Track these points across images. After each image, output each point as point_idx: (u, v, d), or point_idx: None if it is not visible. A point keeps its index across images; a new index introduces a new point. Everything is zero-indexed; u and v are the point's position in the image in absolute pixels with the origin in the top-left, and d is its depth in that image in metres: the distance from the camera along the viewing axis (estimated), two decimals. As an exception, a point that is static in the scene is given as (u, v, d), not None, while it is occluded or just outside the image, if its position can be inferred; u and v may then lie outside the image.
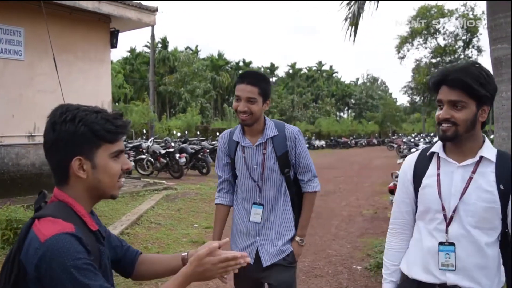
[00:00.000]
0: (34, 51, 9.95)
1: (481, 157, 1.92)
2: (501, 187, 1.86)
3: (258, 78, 2.66)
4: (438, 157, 2.01)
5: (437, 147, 2.02)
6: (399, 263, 2.15)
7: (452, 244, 1.92)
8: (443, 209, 1.94)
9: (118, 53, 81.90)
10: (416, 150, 11.66)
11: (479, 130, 1.94)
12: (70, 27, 10.60)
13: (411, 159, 2.14)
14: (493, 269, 1.92)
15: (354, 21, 7.34)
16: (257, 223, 2.76)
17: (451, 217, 1.93)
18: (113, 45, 11.80)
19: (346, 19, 7.44)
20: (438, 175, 1.98)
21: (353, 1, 7.34)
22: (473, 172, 1.91)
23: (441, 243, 1.94)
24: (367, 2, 7.27)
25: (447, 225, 1.94)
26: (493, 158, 1.91)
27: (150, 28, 23.14)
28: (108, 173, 1.44)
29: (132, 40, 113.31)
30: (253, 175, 2.76)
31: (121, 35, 11.97)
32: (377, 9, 7.39)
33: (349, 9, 7.38)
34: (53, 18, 9.62)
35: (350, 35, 7.50)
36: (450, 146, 1.99)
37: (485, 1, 5.66)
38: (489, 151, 1.93)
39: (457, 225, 1.92)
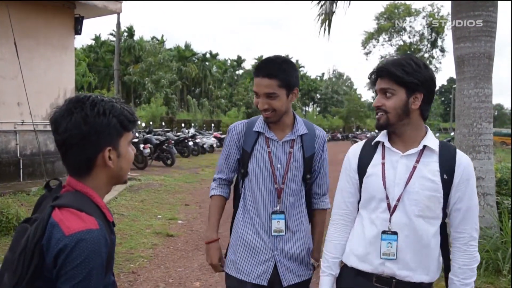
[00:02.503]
0: (-7, 35, 9.60)
1: (424, 146, 1.95)
2: (444, 176, 1.90)
3: (276, 68, 2.23)
4: (383, 146, 2.03)
5: (382, 136, 2.04)
6: (340, 255, 2.11)
7: (395, 233, 1.92)
8: (387, 198, 1.95)
9: (82, 41, 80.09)
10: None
11: (418, 119, 1.97)
12: (32, 11, 10.24)
13: (356, 148, 2.14)
14: (434, 259, 1.96)
15: (327, 18, 7.37)
16: (281, 235, 2.34)
17: (395, 206, 1.93)
18: (77, 31, 11.48)
19: (319, 15, 7.45)
20: (383, 164, 1.99)
21: (325, 0, 7.37)
22: (417, 161, 1.94)
23: (383, 232, 1.94)
24: (339, 1, 7.31)
25: (391, 214, 1.94)
26: (436, 148, 1.94)
27: (116, 16, 22.66)
28: (127, 159, 1.51)
29: (97, 28, 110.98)
30: (275, 176, 2.34)
31: (85, 22, 11.68)
32: (349, 6, 7.44)
33: (321, 7, 7.39)
34: (14, 1, 9.32)
35: (324, 32, 7.52)
36: (393, 136, 2.01)
37: (450, 1, 5.78)
38: (431, 141, 1.96)
39: (400, 214, 1.92)
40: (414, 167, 1.93)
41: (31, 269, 1.28)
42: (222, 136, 26.88)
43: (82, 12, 11.41)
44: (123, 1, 11.94)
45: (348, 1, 7.28)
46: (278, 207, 2.33)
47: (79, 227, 1.29)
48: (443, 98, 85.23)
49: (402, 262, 1.92)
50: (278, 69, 2.23)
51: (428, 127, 2.02)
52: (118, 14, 17.48)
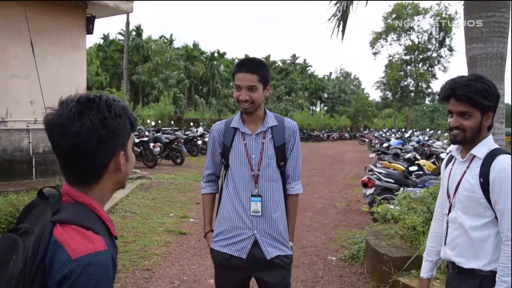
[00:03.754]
0: (6, 35, 9.71)
1: (473, 155, 2.26)
2: (481, 180, 2.19)
3: (256, 65, 2.60)
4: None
5: (453, 148, 2.41)
6: (438, 245, 2.48)
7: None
8: (448, 196, 2.37)
9: (91, 40, 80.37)
10: (388, 145, 11.78)
11: (483, 134, 2.27)
12: (45, 10, 10.36)
13: (444, 159, 2.56)
14: (482, 250, 2.22)
15: (341, 19, 7.38)
16: (258, 216, 2.62)
17: (451, 204, 2.35)
18: (89, 31, 11.58)
19: (334, 16, 7.46)
20: (450, 169, 2.40)
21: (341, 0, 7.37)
22: (467, 167, 2.28)
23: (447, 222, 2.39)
24: (354, 1, 7.32)
25: (449, 211, 2.36)
26: (482, 155, 2.23)
27: (124, 15, 22.83)
28: (131, 162, 1.40)
29: (105, 27, 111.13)
30: (251, 164, 2.65)
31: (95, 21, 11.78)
32: (366, 6, 7.46)
33: (337, 8, 7.39)
34: (28, 1, 9.41)
35: (337, 34, 7.54)
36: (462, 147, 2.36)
37: (461, 1, 5.80)
38: (479, 149, 2.25)
39: (453, 211, 2.34)
40: (464, 172, 2.28)
41: None
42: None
43: (94, 11, 11.51)
44: (134, 1, 12.03)
45: (365, 1, 7.29)
46: (256, 191, 2.65)
47: (86, 250, 1.15)
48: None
49: (458, 250, 2.28)
50: (258, 66, 2.60)
51: (488, 137, 2.29)
52: (128, 13, 17.56)
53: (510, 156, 2.19)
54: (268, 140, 2.67)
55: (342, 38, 7.57)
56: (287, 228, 2.74)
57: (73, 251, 1.14)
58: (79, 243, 1.15)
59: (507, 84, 5.92)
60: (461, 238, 2.26)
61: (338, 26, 7.45)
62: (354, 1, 7.27)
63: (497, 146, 2.27)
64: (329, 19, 7.52)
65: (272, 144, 2.67)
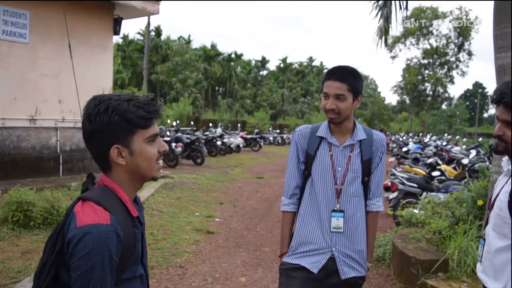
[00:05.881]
0: (38, 35, 9.97)
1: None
2: (509, 198, 2.01)
3: (347, 73, 2.43)
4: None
5: (505, 158, 2.17)
6: None
7: (484, 239, 2.22)
8: (488, 209, 2.27)
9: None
10: (407, 150, 11.90)
11: None
12: (73, 11, 10.58)
13: None
14: (506, 271, 2.09)
15: (384, 29, 7.72)
16: (340, 232, 2.49)
17: (487, 218, 2.23)
18: (116, 32, 11.82)
19: (379, 29, 7.83)
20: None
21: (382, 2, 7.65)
22: (506, 182, 2.11)
23: (480, 237, 2.36)
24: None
25: (485, 224, 2.24)
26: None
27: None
28: (145, 157, 1.52)
29: (125, 27, 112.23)
30: (336, 177, 2.50)
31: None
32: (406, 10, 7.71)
33: (380, 16, 7.69)
34: (56, 2, 9.66)
35: (381, 45, 8.02)
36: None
37: (492, 7, 5.87)
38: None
39: (488, 226, 2.19)
40: (502, 187, 2.10)
41: (55, 252, 1.42)
42: (248, 136, 27.11)
43: (121, 13, 11.75)
44: (161, 2, 12.23)
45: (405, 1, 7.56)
46: (338, 206, 2.49)
47: (89, 221, 1.37)
48: (468, 103, 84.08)
49: (484, 266, 2.17)
50: (349, 74, 2.43)
51: None
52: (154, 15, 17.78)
53: None
54: (356, 153, 2.52)
55: (386, 46, 7.93)
56: (366, 248, 2.59)
57: (79, 221, 1.38)
58: (86, 215, 1.39)
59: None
60: (487, 255, 2.14)
61: (381, 37, 7.80)
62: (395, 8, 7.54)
63: None
64: (377, 31, 7.87)
65: (360, 158, 2.52)
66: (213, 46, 67.39)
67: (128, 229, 1.47)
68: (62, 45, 9.76)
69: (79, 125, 10.41)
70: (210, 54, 65.17)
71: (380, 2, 7.72)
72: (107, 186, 1.51)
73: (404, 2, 7.57)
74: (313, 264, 2.48)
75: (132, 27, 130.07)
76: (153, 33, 58.32)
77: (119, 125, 1.46)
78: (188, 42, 62.15)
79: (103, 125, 1.45)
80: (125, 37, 60.12)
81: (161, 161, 1.61)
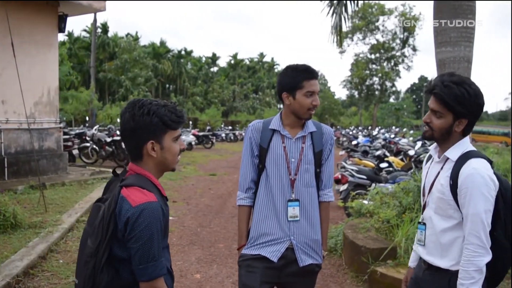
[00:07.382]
0: (-23, 33, 9.58)
1: (446, 157, 2.26)
2: (451, 182, 2.17)
3: (315, 72, 2.61)
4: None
5: (432, 147, 2.42)
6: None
7: (424, 224, 2.38)
8: (423, 195, 2.41)
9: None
10: (357, 143, 12.36)
11: (455, 137, 2.24)
12: (16, 9, 10.22)
13: None
14: (449, 250, 2.27)
15: (338, 27, 7.92)
16: (296, 221, 2.58)
17: (425, 203, 2.38)
18: (61, 29, 11.50)
19: (333, 27, 8.03)
20: (428, 168, 2.41)
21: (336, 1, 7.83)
22: (441, 168, 2.28)
23: (419, 223, 2.45)
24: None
25: (423, 209, 2.41)
26: (454, 158, 2.21)
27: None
28: (171, 152, 1.89)
29: (70, 24, 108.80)
30: (290, 168, 2.59)
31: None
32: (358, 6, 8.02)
33: (333, 14, 7.87)
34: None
35: (336, 41, 8.18)
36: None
37: (432, 2, 6.12)
38: (452, 152, 2.23)
39: (426, 210, 2.37)
40: (438, 173, 2.29)
41: (109, 233, 1.72)
42: (200, 133, 26.99)
43: (66, 10, 11.43)
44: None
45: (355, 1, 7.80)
46: (293, 195, 2.58)
47: (142, 200, 1.71)
48: (414, 96, 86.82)
49: (428, 249, 2.33)
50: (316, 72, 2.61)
51: (463, 140, 2.25)
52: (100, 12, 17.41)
53: (481, 159, 2.15)
54: (308, 145, 2.63)
55: (341, 44, 8.42)
56: (321, 237, 2.69)
57: (133, 201, 1.71)
58: (137, 196, 1.73)
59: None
60: (432, 237, 2.29)
61: (336, 33, 8.02)
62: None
63: (472, 149, 2.23)
64: (332, 29, 8.13)
65: (312, 150, 2.63)
66: (162, 43, 66.58)
67: (165, 205, 1.85)
68: (4, 44, 9.40)
69: (24, 126, 10.07)
70: (159, 51, 64.37)
71: (335, 1, 7.93)
72: (140, 174, 1.84)
73: (356, 1, 7.84)
74: (272, 253, 2.56)
75: (78, 24, 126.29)
76: (99, 30, 57.02)
77: (157, 126, 1.81)
78: (136, 39, 61.17)
79: (145, 124, 1.79)
80: (70, 35, 58.50)
81: (179, 156, 1.96)
